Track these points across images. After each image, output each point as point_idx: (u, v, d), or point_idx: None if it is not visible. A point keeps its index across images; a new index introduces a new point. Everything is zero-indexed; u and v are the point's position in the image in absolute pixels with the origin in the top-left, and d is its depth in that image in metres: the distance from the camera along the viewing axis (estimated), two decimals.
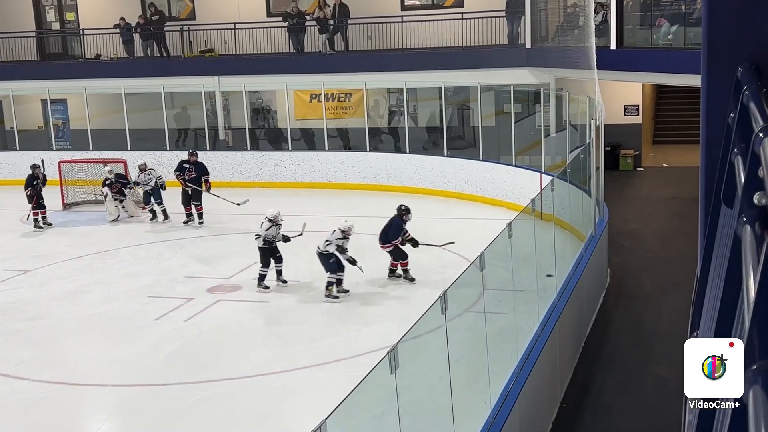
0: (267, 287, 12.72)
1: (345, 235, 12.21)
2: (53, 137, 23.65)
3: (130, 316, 12.13)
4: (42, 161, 18.26)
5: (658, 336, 11.42)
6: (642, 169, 22.73)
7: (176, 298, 12.69)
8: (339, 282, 12.34)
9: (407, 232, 12.91)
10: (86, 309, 12.51)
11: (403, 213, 12.85)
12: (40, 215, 17.55)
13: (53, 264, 14.93)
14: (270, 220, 12.66)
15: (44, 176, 17.76)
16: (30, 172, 17.53)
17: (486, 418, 7.19)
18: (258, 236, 12.69)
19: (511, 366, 8.15)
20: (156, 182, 17.55)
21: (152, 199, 17.68)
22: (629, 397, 9.72)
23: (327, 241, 12.22)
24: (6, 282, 13.94)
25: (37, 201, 17.38)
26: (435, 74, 20.47)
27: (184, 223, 17.31)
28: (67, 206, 19.30)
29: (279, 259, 12.84)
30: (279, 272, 12.88)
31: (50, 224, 17.79)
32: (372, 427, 5.82)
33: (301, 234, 12.90)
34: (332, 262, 12.22)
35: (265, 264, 12.76)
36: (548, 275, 9.85)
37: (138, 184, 17.85)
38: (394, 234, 12.77)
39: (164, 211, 17.59)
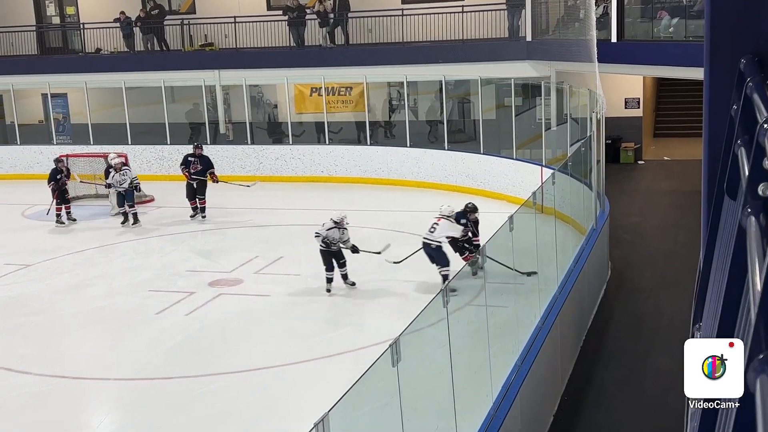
0: (328, 290, 12.10)
1: (450, 221, 11.87)
2: (54, 131, 23.63)
3: (132, 310, 12.13)
4: (66, 156, 18.13)
5: (659, 329, 11.43)
6: (643, 162, 22.72)
7: (177, 292, 12.70)
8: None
9: (469, 230, 12.36)
10: (88, 303, 12.52)
11: (468, 210, 12.50)
12: (63, 210, 17.21)
13: (55, 258, 14.94)
14: (335, 222, 11.92)
15: (68, 170, 17.50)
16: (54, 166, 17.29)
17: (488, 411, 7.21)
18: (318, 235, 11.91)
19: (513, 359, 8.16)
20: (131, 183, 16.84)
21: (125, 202, 16.86)
22: (630, 390, 9.73)
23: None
24: (7, 276, 13.94)
25: (60, 195, 17.11)
26: (435, 68, 20.46)
27: (191, 217, 17.27)
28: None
29: (342, 265, 12.07)
30: (344, 276, 12.15)
31: (74, 220, 17.36)
32: (374, 419, 5.83)
33: (380, 253, 12.19)
34: (445, 254, 11.69)
35: (328, 267, 12.00)
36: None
37: (110, 185, 17.08)
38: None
39: (135, 215, 16.88)
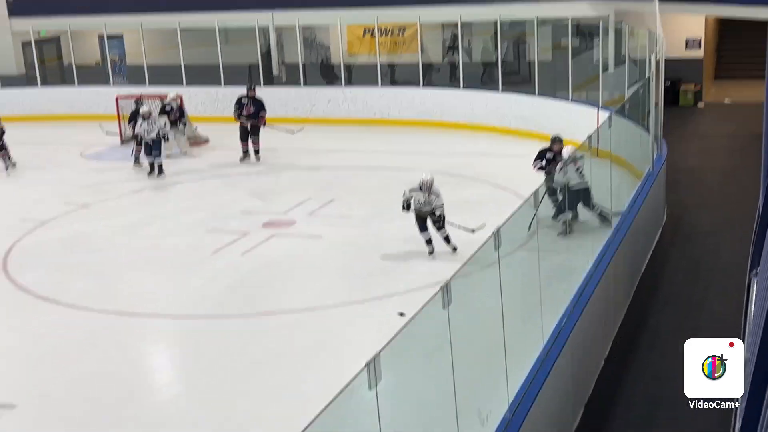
0: (430, 252, 11.48)
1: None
2: (110, 73, 23.88)
3: (188, 249, 12.34)
4: (141, 96, 18.13)
5: (716, 273, 11.28)
6: (702, 104, 22.20)
7: (232, 232, 12.86)
8: None
9: (549, 162, 11.97)
10: (145, 242, 12.76)
11: (553, 141, 12.19)
12: (144, 151, 16.78)
13: (113, 198, 15.22)
14: (420, 185, 11.25)
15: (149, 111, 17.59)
16: (135, 107, 17.35)
17: (538, 354, 7.21)
18: (404, 194, 11.32)
19: (564, 303, 8.13)
20: (158, 133, 16.47)
21: (152, 151, 16.42)
22: (684, 334, 9.60)
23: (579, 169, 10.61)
24: (67, 216, 14.25)
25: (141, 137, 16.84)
26: (491, 8, 20.06)
27: (241, 159, 17.38)
28: (124, 141, 19.48)
29: (438, 227, 11.39)
30: (445, 239, 11.44)
31: None
32: (425, 360, 5.88)
33: (473, 231, 11.06)
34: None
35: (420, 228, 11.44)
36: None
37: (137, 135, 16.66)
38: (536, 158, 12.38)
39: (161, 166, 16.47)
